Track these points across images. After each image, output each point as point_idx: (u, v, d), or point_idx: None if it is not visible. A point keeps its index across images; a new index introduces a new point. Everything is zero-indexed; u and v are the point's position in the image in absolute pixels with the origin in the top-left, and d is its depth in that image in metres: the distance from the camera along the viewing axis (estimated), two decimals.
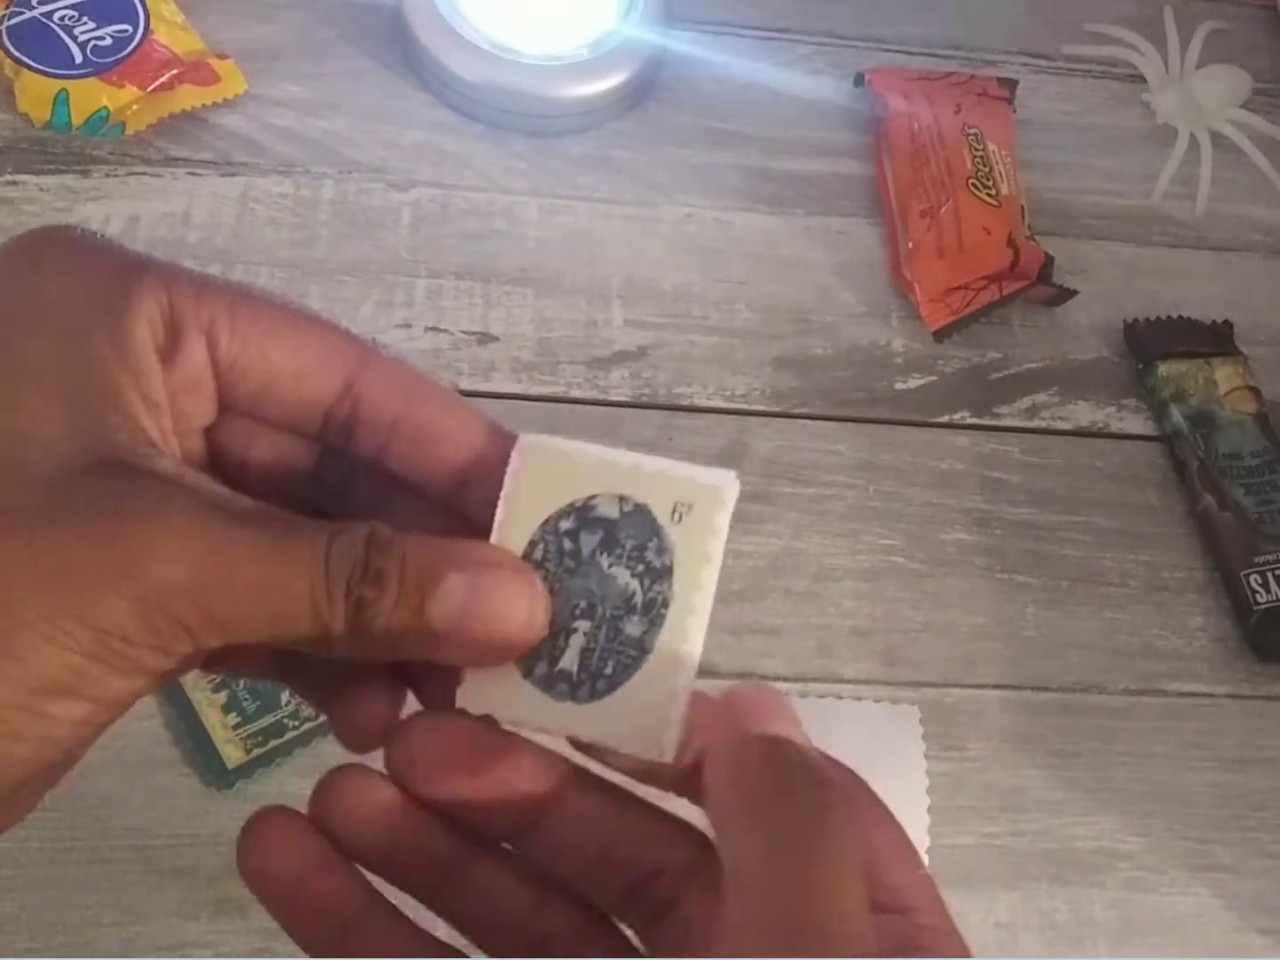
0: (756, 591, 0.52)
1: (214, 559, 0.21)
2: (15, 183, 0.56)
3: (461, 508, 0.25)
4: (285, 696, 0.46)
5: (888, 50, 0.68)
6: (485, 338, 0.56)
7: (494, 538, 0.24)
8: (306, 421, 0.25)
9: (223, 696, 0.46)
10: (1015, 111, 0.65)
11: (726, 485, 0.25)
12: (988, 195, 0.60)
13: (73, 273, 0.23)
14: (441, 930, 0.25)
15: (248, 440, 0.26)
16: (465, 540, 0.24)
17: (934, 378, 0.59)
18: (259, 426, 0.25)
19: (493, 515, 0.24)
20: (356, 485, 0.26)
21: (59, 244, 0.23)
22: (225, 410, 0.25)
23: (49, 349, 0.22)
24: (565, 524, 0.24)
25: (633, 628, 0.24)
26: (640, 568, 0.24)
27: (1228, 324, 0.62)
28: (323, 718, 0.44)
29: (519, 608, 0.23)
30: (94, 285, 0.22)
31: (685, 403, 0.56)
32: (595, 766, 0.25)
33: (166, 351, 0.23)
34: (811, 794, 0.21)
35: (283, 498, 0.26)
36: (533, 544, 0.24)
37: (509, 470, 0.24)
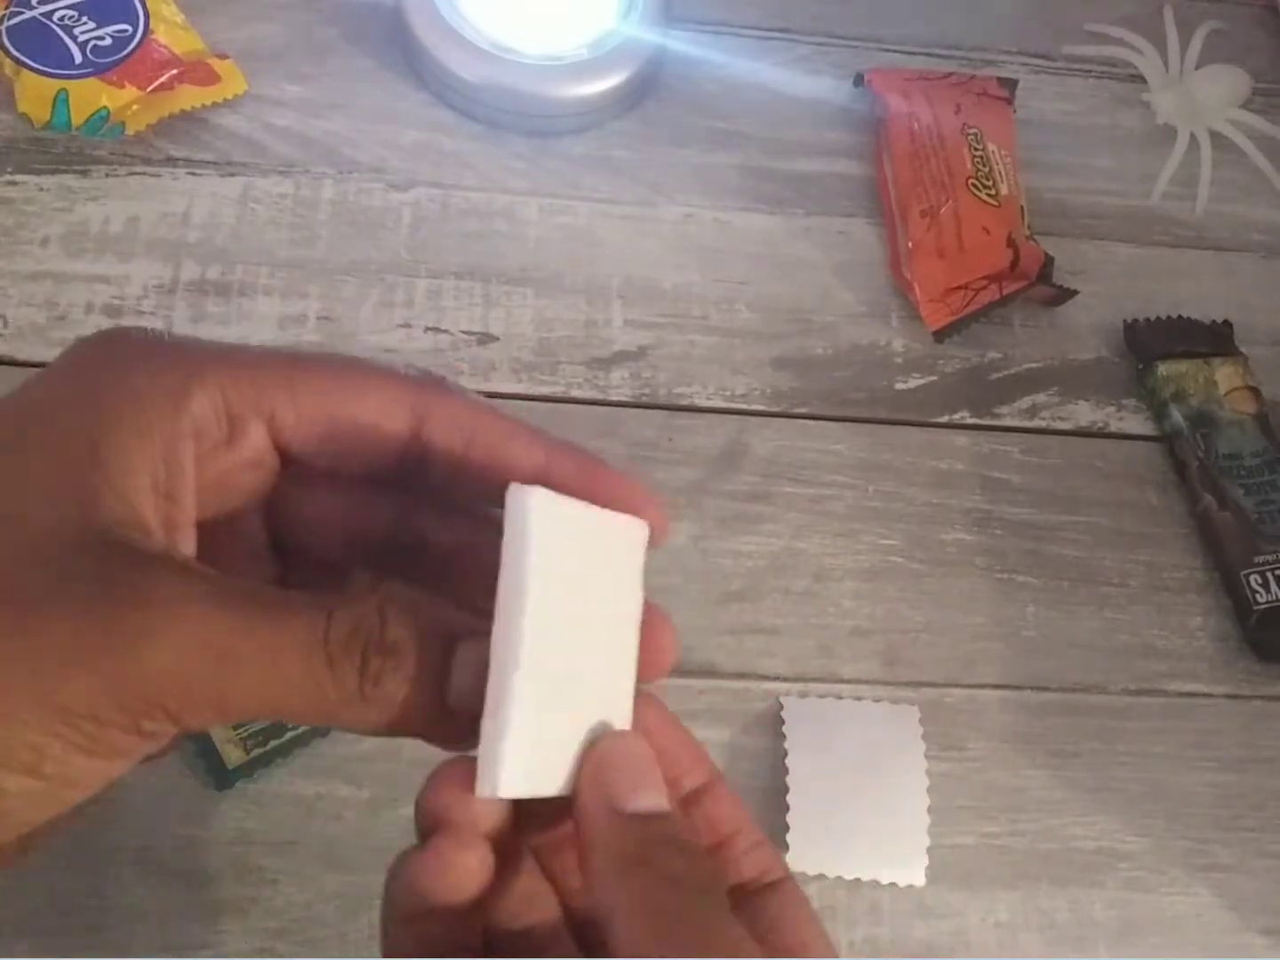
0: (756, 591, 0.52)
1: (200, 638, 0.21)
2: (15, 183, 0.56)
3: None
4: None
5: (888, 50, 0.68)
6: (485, 338, 0.56)
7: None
8: (380, 468, 0.25)
9: None
10: (1015, 111, 0.65)
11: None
12: (987, 195, 0.60)
13: (132, 372, 0.23)
14: None
15: (322, 514, 0.26)
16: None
17: (934, 378, 0.59)
18: (332, 498, 0.26)
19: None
20: (430, 541, 0.27)
21: (122, 345, 0.23)
22: (305, 481, 0.25)
23: (60, 441, 0.22)
24: None
25: None
26: None
27: (1228, 324, 0.62)
28: None
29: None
30: (154, 381, 0.23)
31: (685, 403, 0.56)
32: None
33: (226, 441, 0.23)
34: (692, 879, 0.22)
35: (359, 567, 0.26)
36: None
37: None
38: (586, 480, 0.25)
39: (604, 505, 0.25)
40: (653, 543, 0.25)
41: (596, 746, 0.24)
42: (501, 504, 0.23)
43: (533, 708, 0.22)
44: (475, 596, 0.26)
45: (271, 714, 0.22)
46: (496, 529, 0.25)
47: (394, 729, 0.23)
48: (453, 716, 0.22)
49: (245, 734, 0.45)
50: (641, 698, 0.26)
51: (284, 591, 0.23)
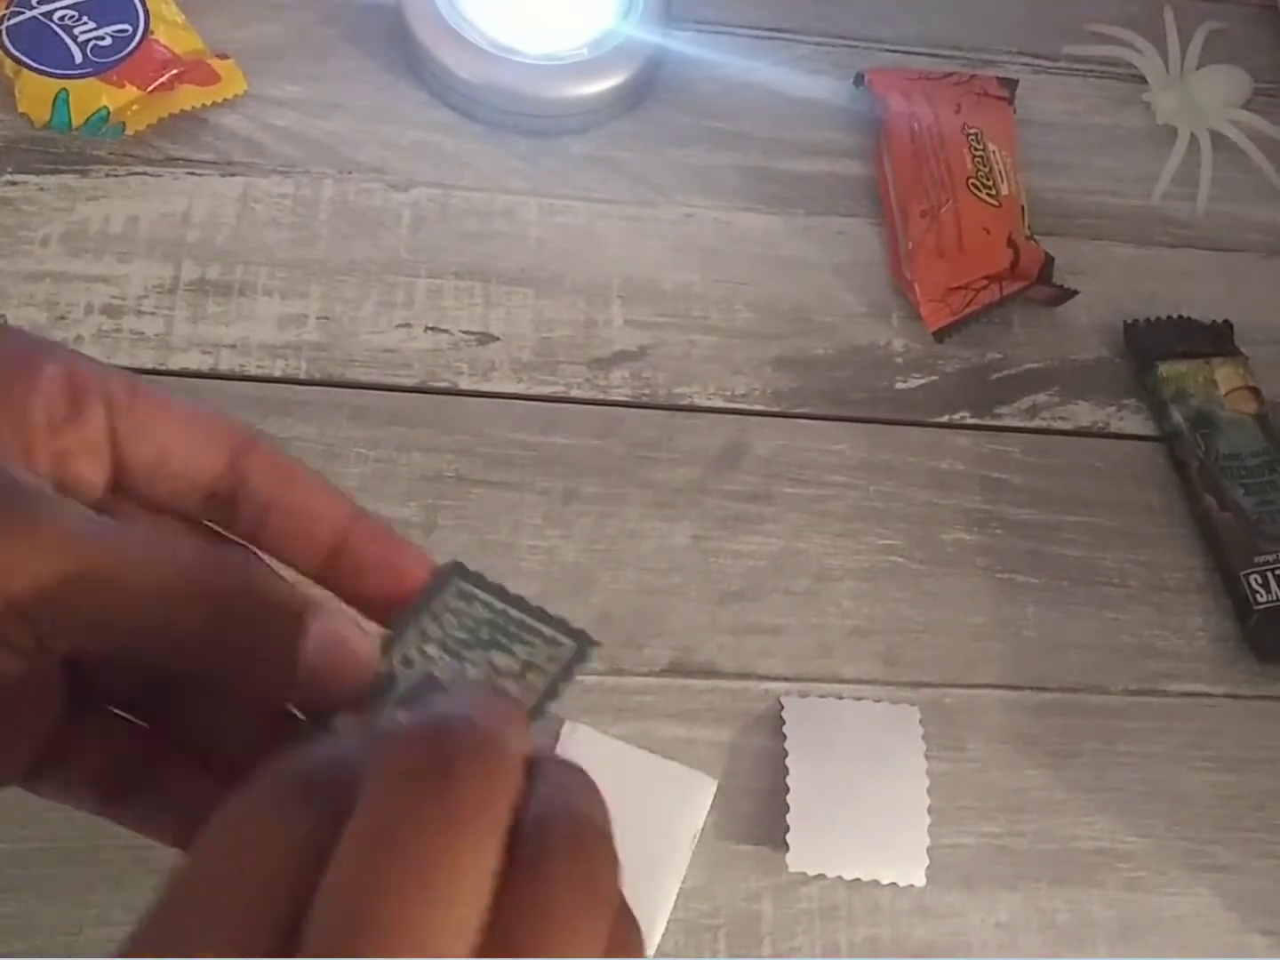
0: (756, 591, 0.52)
1: (74, 552, 0.21)
2: (15, 183, 0.56)
3: (330, 584, 0.26)
4: None
5: (888, 50, 0.68)
6: (485, 338, 0.56)
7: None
8: (192, 499, 0.26)
9: None
10: (1015, 111, 0.65)
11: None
12: (988, 195, 0.60)
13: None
14: None
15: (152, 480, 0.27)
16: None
17: (934, 378, 0.59)
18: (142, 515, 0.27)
19: (354, 591, 0.26)
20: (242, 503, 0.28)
21: None
22: (118, 490, 0.26)
23: None
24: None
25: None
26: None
27: (1228, 324, 0.62)
28: None
29: (364, 658, 0.24)
30: (8, 348, 0.25)
31: (685, 403, 0.56)
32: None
33: (68, 415, 0.25)
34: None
35: None
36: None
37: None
38: (380, 545, 0.26)
39: (384, 566, 0.26)
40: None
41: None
42: (300, 548, 0.26)
43: None
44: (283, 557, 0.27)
45: (134, 636, 0.22)
46: (311, 488, 0.27)
47: (248, 678, 0.23)
48: (297, 682, 0.23)
49: None
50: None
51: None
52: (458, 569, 0.27)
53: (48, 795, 0.26)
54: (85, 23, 0.57)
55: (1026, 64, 0.69)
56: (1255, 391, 0.59)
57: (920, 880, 0.47)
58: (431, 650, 0.26)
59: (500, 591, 0.26)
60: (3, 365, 0.24)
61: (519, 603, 0.26)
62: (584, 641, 0.26)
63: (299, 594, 0.24)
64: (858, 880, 0.47)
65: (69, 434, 0.24)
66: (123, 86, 0.56)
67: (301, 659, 0.23)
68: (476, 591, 0.26)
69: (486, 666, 0.25)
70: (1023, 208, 0.61)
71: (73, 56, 0.56)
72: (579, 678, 0.25)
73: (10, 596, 0.21)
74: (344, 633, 0.24)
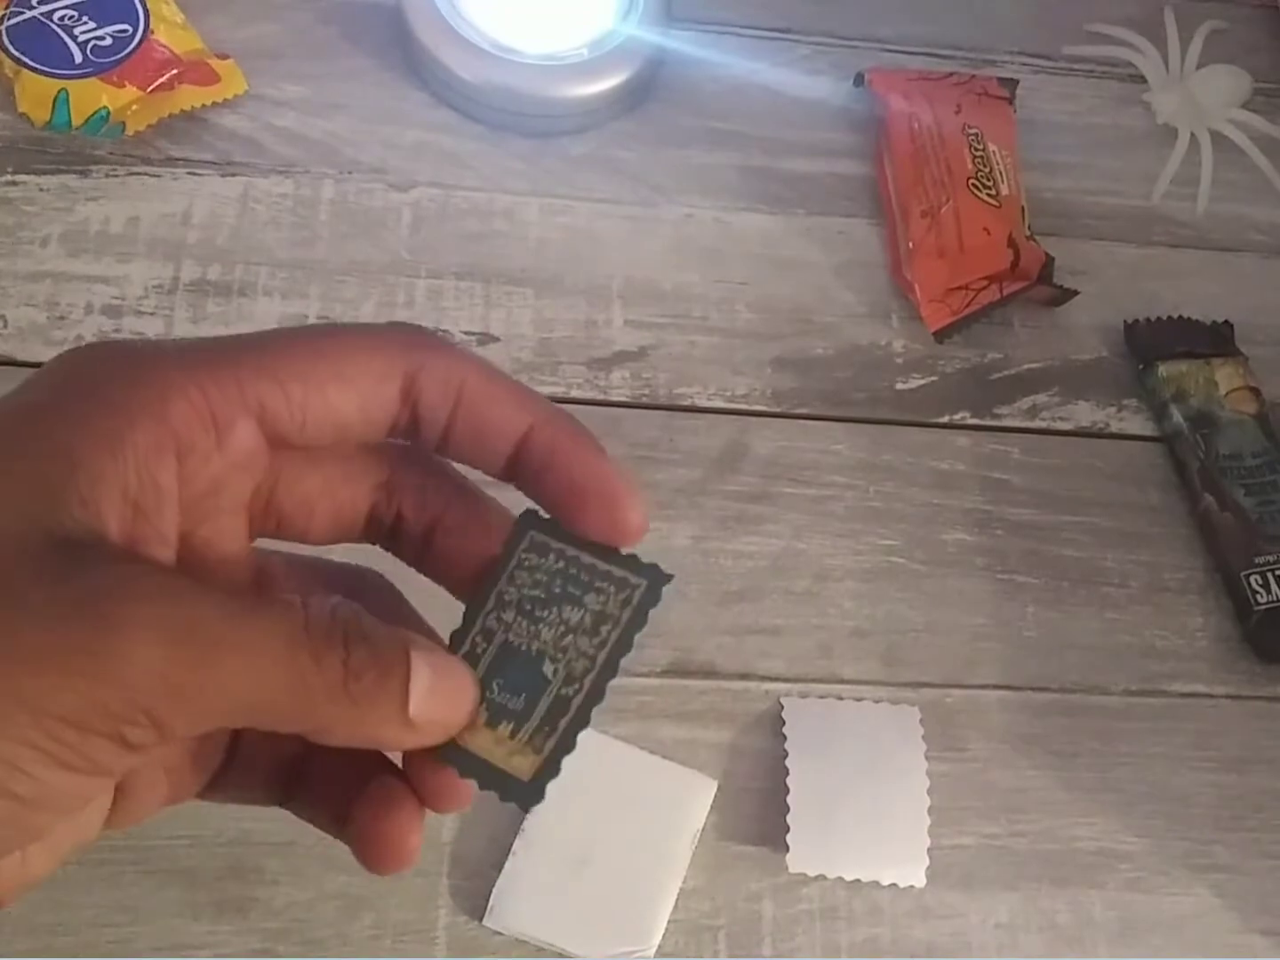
0: (757, 592, 0.52)
1: (182, 629, 0.20)
2: (15, 183, 0.56)
3: (519, 485, 0.25)
4: None
5: (888, 50, 0.68)
6: (485, 338, 0.56)
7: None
8: (375, 439, 0.25)
9: None
10: (1016, 111, 0.65)
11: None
12: (988, 195, 0.60)
13: (110, 384, 0.22)
14: None
15: (305, 493, 0.26)
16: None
17: (934, 378, 0.59)
18: (314, 474, 0.25)
19: (543, 491, 0.25)
20: (406, 518, 0.26)
21: (103, 357, 0.23)
22: (287, 461, 0.25)
23: (34, 452, 0.21)
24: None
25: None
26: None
27: (1228, 324, 0.62)
28: None
29: (467, 686, 0.24)
30: (130, 393, 0.22)
31: (685, 403, 0.56)
32: None
33: (216, 446, 0.23)
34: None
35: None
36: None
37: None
38: (566, 456, 0.25)
39: (577, 484, 0.25)
40: (624, 539, 0.25)
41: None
42: (486, 462, 0.24)
43: None
44: (447, 580, 0.26)
45: (251, 714, 0.21)
46: (473, 502, 0.26)
47: (364, 733, 0.22)
48: (412, 725, 0.22)
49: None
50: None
51: (253, 590, 0.22)
52: (529, 519, 0.25)
53: (224, 801, 0.26)
54: (85, 23, 0.57)
55: (1027, 64, 0.69)
56: (1255, 392, 0.59)
57: (920, 881, 0.47)
58: (508, 615, 0.25)
59: (572, 536, 0.25)
60: (126, 412, 0.22)
61: (591, 546, 0.25)
62: (656, 577, 0.24)
63: (402, 637, 0.22)
64: (858, 881, 0.47)
65: (218, 461, 0.23)
66: (123, 86, 0.56)
67: (412, 707, 0.22)
68: (550, 541, 0.25)
69: (558, 625, 0.24)
70: (1023, 208, 0.61)
71: (73, 56, 0.56)
72: (652, 623, 0.24)
73: (104, 703, 0.19)
74: (442, 662, 0.23)
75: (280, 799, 0.26)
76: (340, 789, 0.25)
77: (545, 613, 0.24)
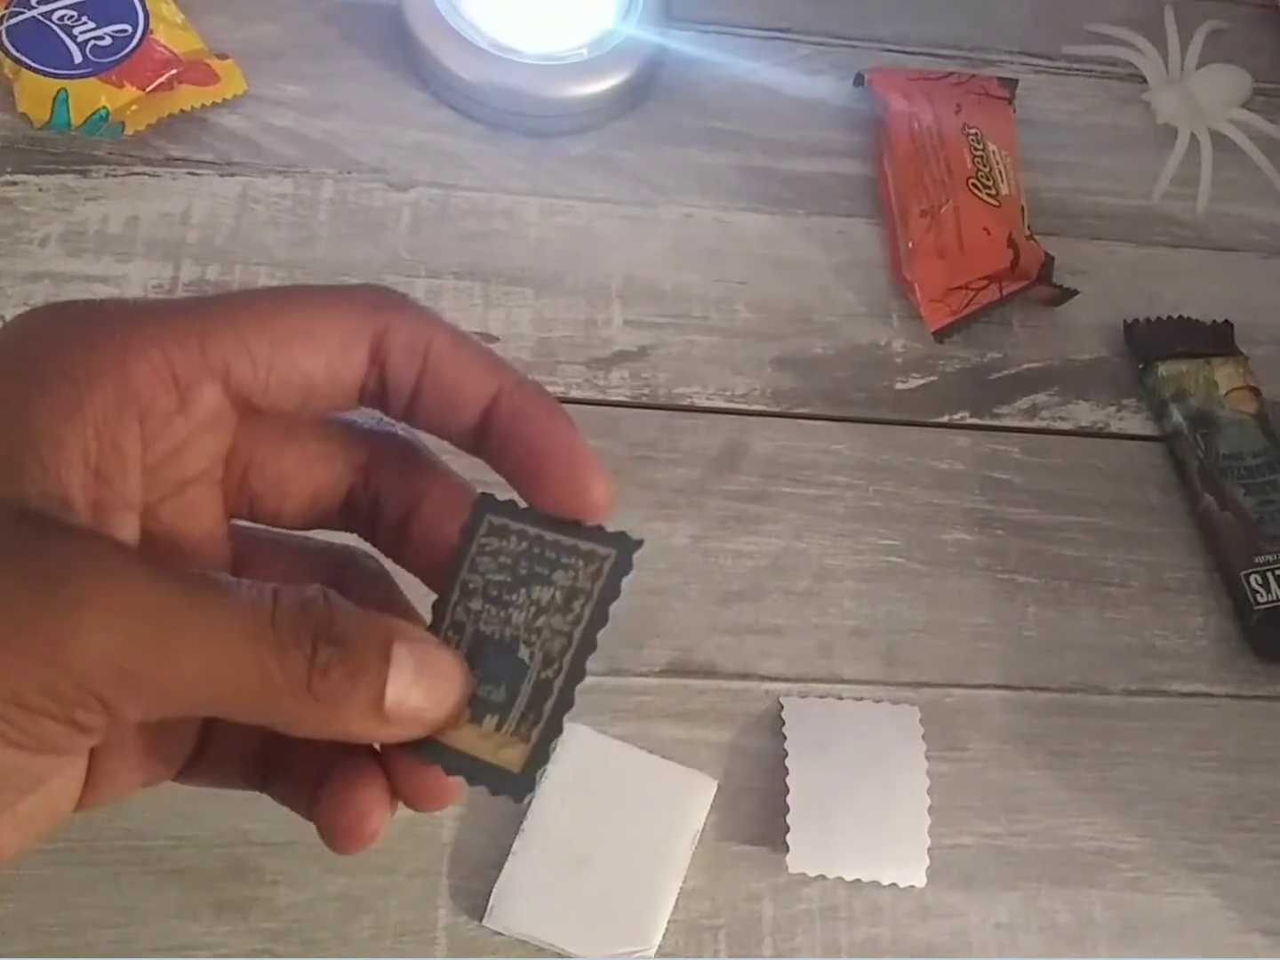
0: (757, 592, 0.52)
1: (139, 614, 0.19)
2: (15, 183, 0.56)
3: (483, 454, 0.24)
4: None
5: (888, 50, 0.68)
6: (485, 337, 0.56)
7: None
8: (345, 404, 0.24)
9: None
10: (1015, 111, 0.65)
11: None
12: (988, 195, 0.60)
13: (68, 348, 0.21)
14: None
15: (280, 471, 0.25)
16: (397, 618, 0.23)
17: (934, 378, 0.59)
18: (290, 451, 0.25)
19: (506, 458, 0.24)
20: (382, 504, 0.25)
21: (62, 319, 0.22)
22: (263, 435, 0.24)
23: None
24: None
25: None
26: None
27: (1228, 324, 0.62)
28: None
29: (456, 681, 0.23)
30: (89, 357, 0.21)
31: (685, 403, 0.56)
32: None
33: (178, 409, 0.22)
34: None
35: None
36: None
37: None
38: (530, 423, 0.24)
39: (538, 449, 0.24)
40: (586, 508, 0.23)
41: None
42: (451, 429, 0.24)
43: None
44: (423, 570, 0.25)
45: (208, 704, 0.20)
46: (452, 489, 0.25)
47: (333, 728, 0.21)
48: (388, 721, 0.21)
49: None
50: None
51: (222, 574, 0.21)
52: (486, 503, 0.24)
53: (203, 785, 0.25)
54: (85, 23, 0.57)
55: (1026, 64, 0.69)
56: (1255, 391, 0.59)
57: (920, 880, 0.47)
58: (475, 604, 0.24)
59: (532, 515, 0.24)
60: (85, 376, 0.21)
61: (552, 523, 0.23)
62: (625, 545, 0.23)
63: (385, 628, 0.22)
64: (858, 881, 0.47)
65: (181, 425, 0.22)
66: (122, 86, 0.56)
67: (390, 698, 0.21)
68: (509, 522, 0.24)
69: (529, 607, 0.23)
70: (1023, 207, 0.61)
71: (72, 56, 0.56)
72: (627, 592, 0.23)
73: (52, 685, 0.19)
74: (430, 656, 0.22)
75: (259, 784, 0.25)
76: (318, 774, 0.24)
77: (513, 596, 0.24)
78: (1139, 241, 0.64)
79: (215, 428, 0.23)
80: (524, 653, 0.23)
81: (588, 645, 0.23)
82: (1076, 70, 0.69)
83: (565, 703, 0.23)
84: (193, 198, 0.57)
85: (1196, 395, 0.58)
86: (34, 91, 0.56)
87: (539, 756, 0.23)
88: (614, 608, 0.23)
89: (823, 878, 0.46)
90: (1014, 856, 0.49)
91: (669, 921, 0.45)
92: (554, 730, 0.23)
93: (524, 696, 0.23)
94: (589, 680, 0.23)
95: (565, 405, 0.25)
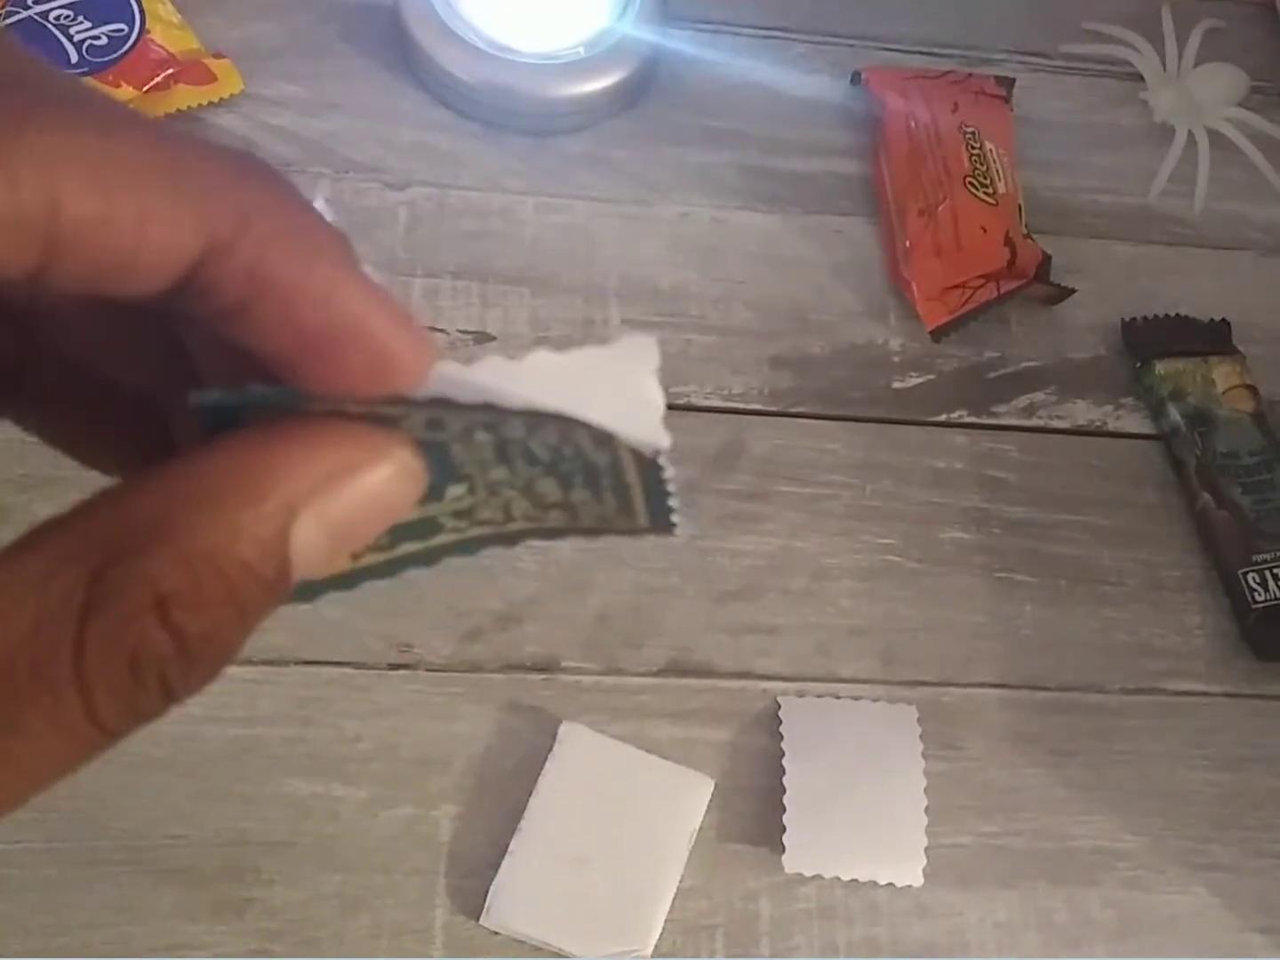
0: (754, 591, 0.52)
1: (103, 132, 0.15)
2: None
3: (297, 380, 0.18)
4: None
5: (885, 49, 0.68)
6: (482, 337, 0.56)
7: None
8: (155, 281, 0.17)
9: None
10: (1012, 110, 0.65)
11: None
12: (985, 194, 0.60)
13: None
14: None
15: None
16: None
17: (931, 377, 0.59)
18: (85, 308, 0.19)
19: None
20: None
21: None
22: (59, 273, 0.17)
23: None
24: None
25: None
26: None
27: (1225, 323, 0.62)
28: None
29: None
30: None
31: (682, 402, 0.56)
32: None
33: None
34: None
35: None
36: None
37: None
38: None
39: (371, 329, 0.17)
40: (402, 376, 0.18)
41: None
42: (277, 340, 0.17)
43: None
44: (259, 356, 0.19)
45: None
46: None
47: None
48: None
49: None
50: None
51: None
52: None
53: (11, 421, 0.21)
54: (81, 22, 0.57)
55: (1023, 62, 0.69)
56: (1253, 390, 0.59)
57: (918, 880, 0.47)
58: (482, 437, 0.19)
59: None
60: None
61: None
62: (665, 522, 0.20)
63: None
64: (855, 880, 0.47)
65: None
66: (118, 86, 0.56)
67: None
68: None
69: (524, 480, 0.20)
70: (1020, 206, 0.61)
71: (68, 56, 0.56)
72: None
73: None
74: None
75: (62, 444, 0.22)
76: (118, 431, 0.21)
77: (531, 468, 0.20)
78: (1136, 240, 0.64)
79: (22, 227, 0.16)
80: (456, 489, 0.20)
81: (511, 539, 0.21)
82: (1074, 69, 0.69)
83: (422, 559, 0.20)
84: None
85: (1194, 394, 0.58)
86: None
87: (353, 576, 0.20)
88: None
89: (820, 877, 0.46)
90: (1011, 855, 0.49)
91: (666, 921, 0.45)
92: (388, 570, 0.20)
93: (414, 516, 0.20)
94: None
95: None
